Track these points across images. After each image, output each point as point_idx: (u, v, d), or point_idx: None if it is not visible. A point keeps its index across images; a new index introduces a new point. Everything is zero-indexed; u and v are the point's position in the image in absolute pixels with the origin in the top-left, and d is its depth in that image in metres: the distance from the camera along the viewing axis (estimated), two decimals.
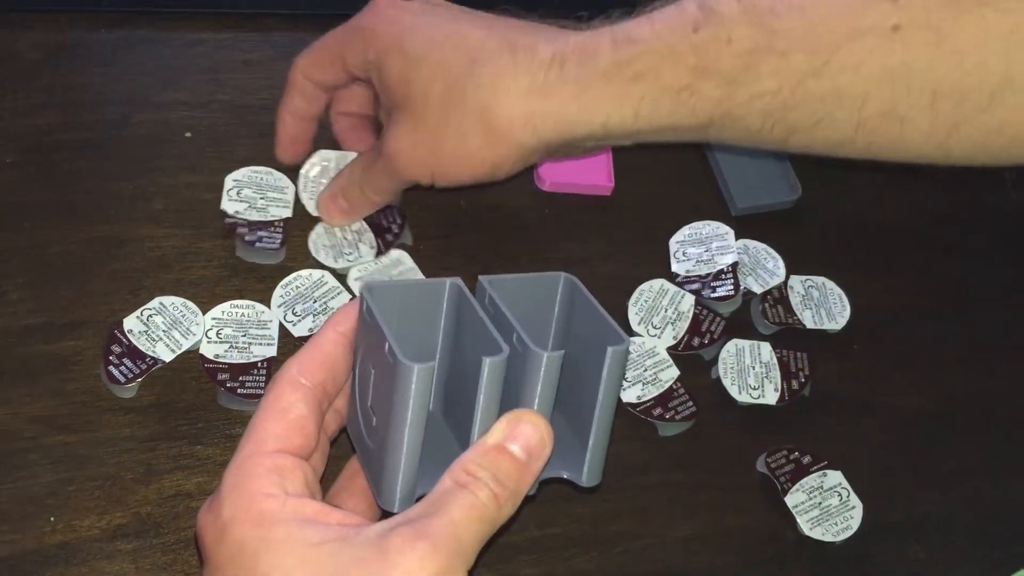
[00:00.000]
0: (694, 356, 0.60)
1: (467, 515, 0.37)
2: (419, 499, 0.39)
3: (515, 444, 0.39)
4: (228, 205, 0.58)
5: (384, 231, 0.60)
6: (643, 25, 0.50)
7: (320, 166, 0.60)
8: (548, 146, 0.52)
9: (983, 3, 0.45)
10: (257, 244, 0.57)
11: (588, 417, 0.43)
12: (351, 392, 0.45)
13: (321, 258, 0.58)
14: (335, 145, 0.61)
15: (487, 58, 0.51)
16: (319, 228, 0.59)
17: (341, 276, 0.58)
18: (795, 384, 0.59)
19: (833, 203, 0.67)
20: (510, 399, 0.41)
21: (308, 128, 0.59)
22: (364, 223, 0.59)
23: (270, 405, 0.41)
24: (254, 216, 0.58)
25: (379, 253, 0.59)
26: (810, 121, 0.49)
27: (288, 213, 0.58)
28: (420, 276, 0.58)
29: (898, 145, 0.49)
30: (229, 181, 0.58)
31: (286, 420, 0.40)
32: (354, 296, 0.57)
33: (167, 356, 0.53)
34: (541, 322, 0.46)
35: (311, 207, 0.59)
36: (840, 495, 0.57)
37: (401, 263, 0.59)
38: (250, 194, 0.58)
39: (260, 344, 0.54)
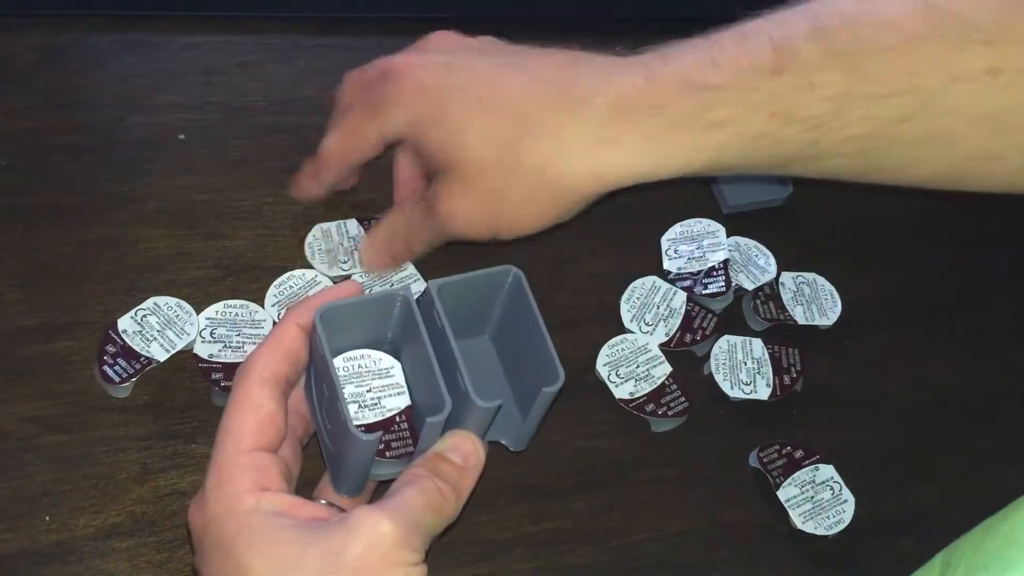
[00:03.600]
0: (686, 352, 0.60)
1: (418, 499, 0.42)
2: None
3: (453, 453, 0.45)
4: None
5: None
6: (710, 69, 0.47)
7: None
8: (620, 187, 0.50)
9: None
10: None
11: (528, 400, 0.48)
12: (307, 381, 0.48)
13: (316, 263, 0.58)
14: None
15: (539, 114, 0.48)
16: (315, 231, 0.59)
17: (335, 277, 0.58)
18: (787, 379, 0.60)
19: (823, 200, 0.67)
20: (451, 417, 0.45)
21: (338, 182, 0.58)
22: (362, 230, 0.59)
23: (241, 402, 0.44)
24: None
25: None
26: (900, 162, 0.48)
27: None
28: (420, 281, 0.57)
29: (990, 181, 0.49)
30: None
31: (258, 417, 0.43)
32: None
33: (161, 356, 0.53)
34: (488, 309, 0.50)
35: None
36: (832, 489, 0.57)
37: (405, 267, 0.58)
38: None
39: (254, 343, 0.54)
